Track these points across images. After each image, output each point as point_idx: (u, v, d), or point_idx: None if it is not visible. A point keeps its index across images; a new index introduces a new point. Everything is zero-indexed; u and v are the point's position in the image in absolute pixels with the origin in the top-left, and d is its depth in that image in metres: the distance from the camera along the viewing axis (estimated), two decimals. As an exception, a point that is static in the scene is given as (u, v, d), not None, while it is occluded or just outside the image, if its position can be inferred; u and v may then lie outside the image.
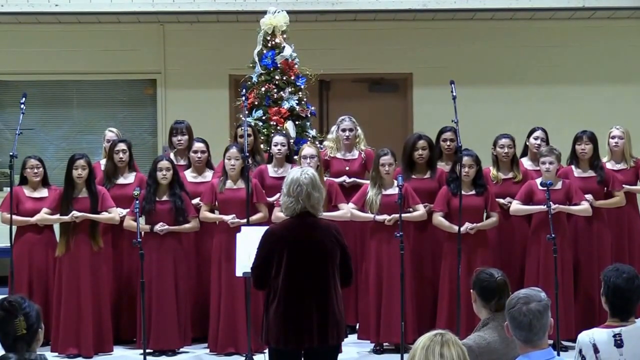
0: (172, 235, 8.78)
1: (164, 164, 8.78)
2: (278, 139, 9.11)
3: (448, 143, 9.29)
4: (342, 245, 5.78)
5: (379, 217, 8.63)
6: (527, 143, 9.39)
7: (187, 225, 8.79)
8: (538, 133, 9.32)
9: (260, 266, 5.73)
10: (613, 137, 9.27)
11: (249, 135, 8.98)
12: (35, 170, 9.02)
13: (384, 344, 8.75)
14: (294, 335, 5.65)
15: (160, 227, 8.66)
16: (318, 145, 9.51)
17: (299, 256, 5.64)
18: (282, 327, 5.65)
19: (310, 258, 5.65)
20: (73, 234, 8.67)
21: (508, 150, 9.07)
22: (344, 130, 9.45)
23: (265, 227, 6.01)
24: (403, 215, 8.29)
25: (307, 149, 8.79)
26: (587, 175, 9.02)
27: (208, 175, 9.29)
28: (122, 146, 9.22)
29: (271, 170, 9.10)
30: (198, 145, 9.27)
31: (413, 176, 8.98)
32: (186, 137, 9.54)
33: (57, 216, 8.72)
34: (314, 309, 5.63)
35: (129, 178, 9.25)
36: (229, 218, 8.63)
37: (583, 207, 8.72)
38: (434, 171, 9.06)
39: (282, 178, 6.17)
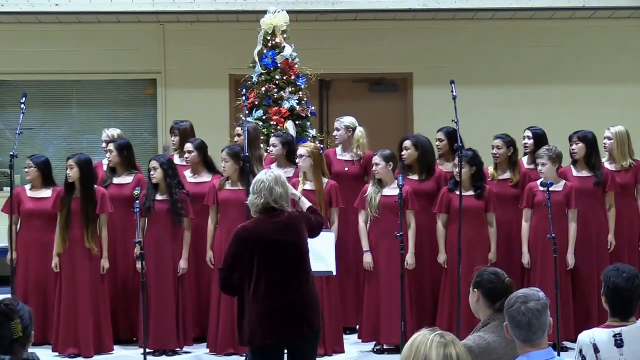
0: (171, 236, 8.79)
1: (152, 163, 8.82)
2: (271, 140, 9.17)
3: (437, 143, 9.32)
4: (308, 221, 6.06)
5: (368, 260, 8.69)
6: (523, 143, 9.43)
7: (187, 240, 8.81)
8: (526, 133, 9.36)
9: (228, 269, 5.90)
10: (604, 138, 9.27)
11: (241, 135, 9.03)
12: (27, 170, 9.04)
13: (384, 344, 8.76)
14: (271, 331, 5.82)
15: (184, 266, 8.78)
16: (318, 145, 9.52)
17: (270, 251, 5.83)
18: (260, 324, 5.81)
19: (279, 253, 5.85)
20: (70, 232, 8.67)
21: (497, 151, 9.10)
22: (336, 130, 9.53)
23: None
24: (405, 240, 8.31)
25: (299, 149, 8.82)
26: (584, 176, 9.02)
27: (206, 175, 9.29)
28: (109, 147, 9.27)
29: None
30: (186, 146, 9.31)
31: (408, 177, 8.97)
32: (178, 138, 9.60)
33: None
34: (288, 303, 5.82)
35: (127, 178, 9.26)
36: (210, 255, 8.79)
37: (572, 234, 8.74)
38: (428, 172, 9.05)
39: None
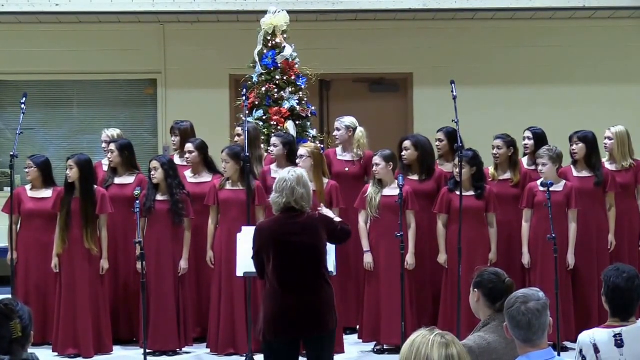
0: (172, 236, 8.79)
1: (153, 163, 8.82)
2: (272, 139, 9.17)
3: (437, 143, 9.34)
4: (328, 224, 6.09)
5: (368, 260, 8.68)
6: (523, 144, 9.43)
7: (187, 240, 8.81)
8: (526, 133, 9.36)
9: (255, 259, 6.07)
10: (605, 138, 9.27)
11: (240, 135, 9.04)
12: (27, 170, 9.04)
13: (384, 344, 8.76)
14: (281, 329, 5.91)
15: (184, 266, 8.78)
16: (319, 145, 9.52)
17: (284, 251, 5.92)
18: (272, 322, 5.92)
19: (293, 253, 5.92)
20: (69, 232, 8.67)
21: (497, 151, 9.10)
22: (336, 129, 9.54)
23: None
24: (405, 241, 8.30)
25: (300, 149, 8.82)
26: (584, 176, 9.02)
27: (206, 175, 9.29)
28: (110, 147, 9.27)
29: (273, 171, 9.11)
30: (187, 146, 9.31)
31: (408, 177, 8.97)
32: (178, 138, 9.61)
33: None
34: (300, 303, 5.90)
35: (128, 179, 9.25)
36: (210, 255, 8.76)
37: (572, 234, 8.74)
38: (428, 172, 9.06)
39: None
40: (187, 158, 9.29)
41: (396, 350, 8.46)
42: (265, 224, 6.13)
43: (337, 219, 6.49)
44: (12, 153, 8.56)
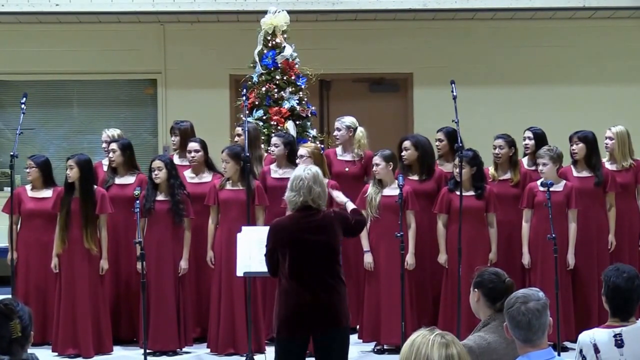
0: (172, 236, 8.79)
1: (156, 163, 8.81)
2: (273, 139, 9.16)
3: (437, 143, 9.34)
4: (343, 221, 6.10)
5: (368, 259, 8.68)
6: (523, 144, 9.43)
7: (187, 240, 8.80)
8: (526, 133, 9.36)
9: (268, 256, 6.07)
10: (605, 138, 9.27)
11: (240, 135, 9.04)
12: (28, 170, 9.04)
13: (384, 344, 8.76)
14: (293, 326, 5.94)
15: (184, 266, 8.76)
16: (319, 145, 9.52)
17: (301, 249, 5.93)
18: (285, 318, 5.95)
19: (308, 251, 5.93)
20: (69, 232, 8.67)
21: (499, 150, 9.10)
22: (337, 129, 9.54)
23: (267, 228, 6.24)
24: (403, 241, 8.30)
25: (300, 149, 8.83)
26: (584, 176, 9.02)
27: (207, 175, 9.29)
28: (111, 147, 9.26)
29: (273, 171, 9.11)
30: (191, 145, 9.28)
31: (408, 177, 8.97)
32: (178, 138, 9.59)
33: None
34: (313, 301, 5.91)
35: (129, 178, 9.25)
36: (211, 255, 8.76)
37: (572, 233, 8.74)
38: (428, 172, 9.06)
39: (283, 179, 6.28)
40: (193, 157, 9.26)
41: (396, 350, 8.46)
42: (281, 222, 6.12)
43: (350, 205, 6.50)
44: (12, 153, 8.56)
